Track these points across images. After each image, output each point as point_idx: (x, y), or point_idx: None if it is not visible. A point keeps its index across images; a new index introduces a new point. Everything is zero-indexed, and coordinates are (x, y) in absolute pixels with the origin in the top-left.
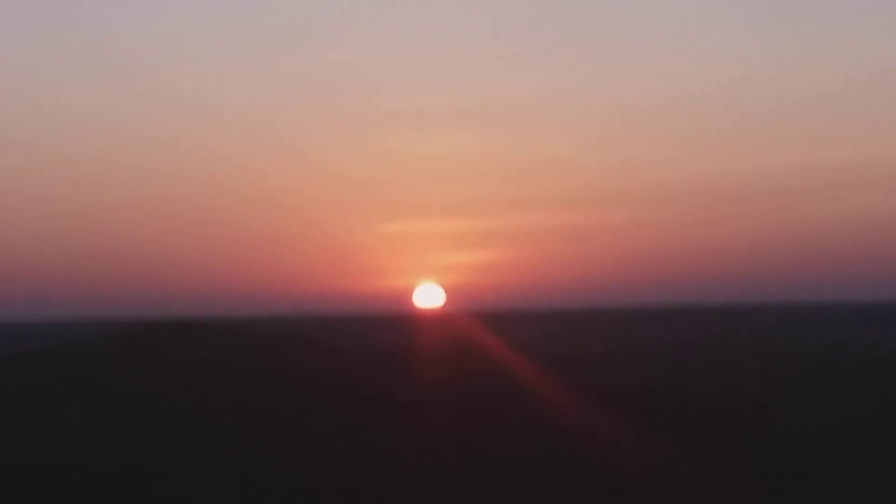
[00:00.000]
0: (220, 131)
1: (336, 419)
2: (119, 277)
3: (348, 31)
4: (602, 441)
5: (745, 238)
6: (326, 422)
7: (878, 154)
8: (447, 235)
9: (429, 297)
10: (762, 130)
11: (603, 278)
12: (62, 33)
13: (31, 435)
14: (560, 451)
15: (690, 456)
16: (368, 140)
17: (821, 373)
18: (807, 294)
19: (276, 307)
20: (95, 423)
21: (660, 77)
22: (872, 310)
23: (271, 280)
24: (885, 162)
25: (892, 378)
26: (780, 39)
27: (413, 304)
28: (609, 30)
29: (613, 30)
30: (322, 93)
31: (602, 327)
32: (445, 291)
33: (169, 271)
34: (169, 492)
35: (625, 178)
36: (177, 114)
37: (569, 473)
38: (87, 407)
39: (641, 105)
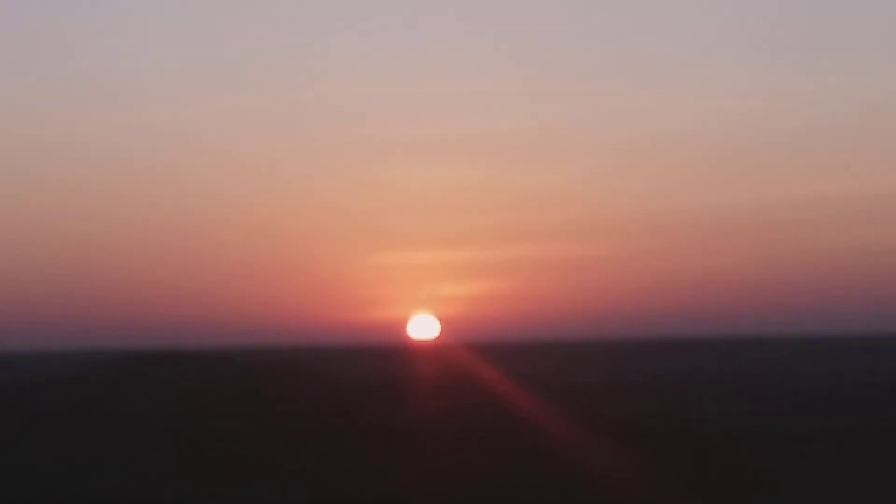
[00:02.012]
0: (214, 163)
1: (331, 450)
2: (114, 307)
3: (342, 63)
4: (598, 471)
5: (742, 270)
6: (321, 452)
7: (874, 188)
8: (442, 266)
9: (423, 328)
10: (758, 163)
11: (597, 310)
12: (57, 63)
13: (31, 465)
14: (555, 480)
15: (686, 486)
16: (363, 171)
17: (814, 404)
18: (800, 326)
19: (272, 337)
20: (94, 452)
21: (656, 109)
22: (865, 342)
23: (267, 310)
24: (881, 195)
25: (885, 409)
26: (776, 73)
27: (408, 335)
28: (605, 62)
29: (609, 62)
30: (317, 123)
31: (597, 358)
32: (440, 322)
33: (164, 301)
34: None
35: (620, 210)
36: (173, 145)
37: (564, 503)
38: (86, 437)
39: (637, 137)
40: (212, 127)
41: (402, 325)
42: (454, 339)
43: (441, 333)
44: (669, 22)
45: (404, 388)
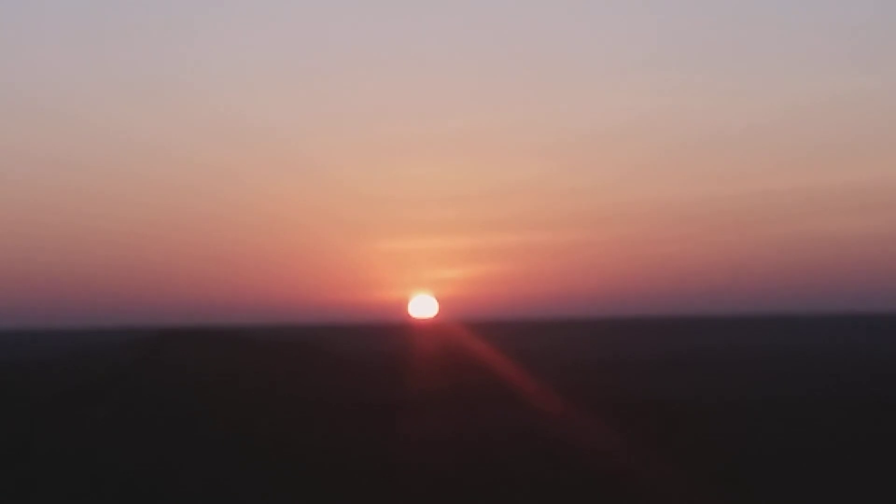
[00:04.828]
0: (232, 157)
1: (336, 424)
2: (141, 287)
3: (358, 69)
4: (589, 445)
5: (716, 255)
6: (327, 426)
7: (822, 180)
8: (440, 251)
9: (423, 307)
10: (723, 158)
11: (582, 290)
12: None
13: (60, 437)
14: (548, 452)
15: (665, 457)
16: (369, 164)
17: (787, 378)
18: (767, 305)
19: (283, 316)
20: (119, 425)
21: (631, 106)
22: (825, 320)
23: (279, 291)
24: (828, 187)
25: (856, 381)
26: (727, 74)
27: (408, 314)
28: (586, 67)
29: (590, 67)
30: (328, 122)
31: (585, 335)
32: (438, 302)
33: (186, 282)
34: (185, 491)
35: (602, 200)
36: (197, 137)
37: (558, 477)
38: (113, 410)
39: (615, 132)
40: (222, 128)
41: (404, 304)
42: (451, 318)
43: (439, 313)
44: (637, 25)
45: (405, 364)
